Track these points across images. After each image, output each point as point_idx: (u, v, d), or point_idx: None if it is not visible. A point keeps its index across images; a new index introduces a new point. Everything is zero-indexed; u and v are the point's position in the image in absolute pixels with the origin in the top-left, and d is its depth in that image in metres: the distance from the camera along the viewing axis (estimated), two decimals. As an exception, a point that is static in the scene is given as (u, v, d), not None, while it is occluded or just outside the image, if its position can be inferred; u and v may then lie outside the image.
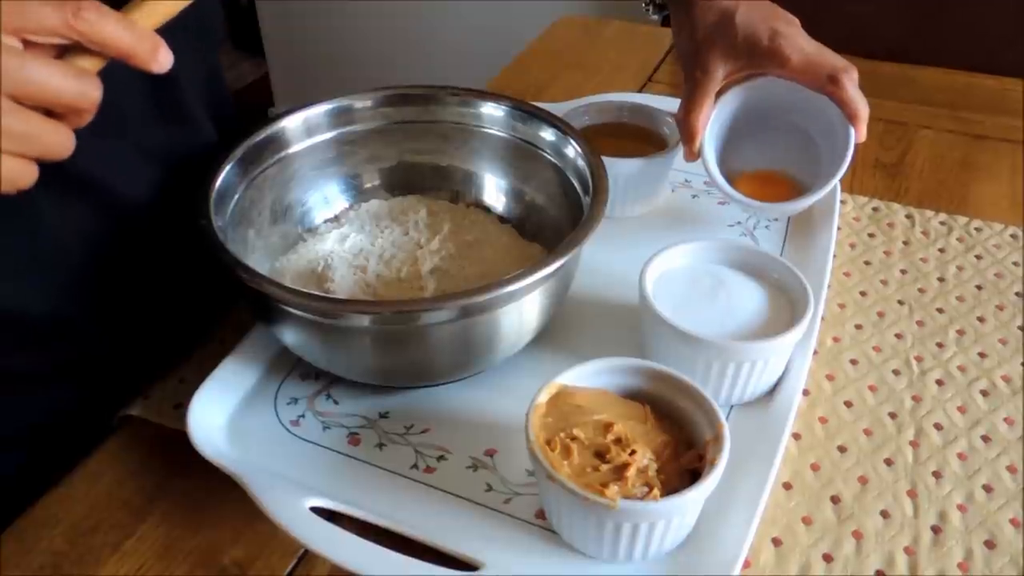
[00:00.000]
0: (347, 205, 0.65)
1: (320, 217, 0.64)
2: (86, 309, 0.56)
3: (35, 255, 0.52)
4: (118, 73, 0.51)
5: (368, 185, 0.65)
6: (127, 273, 0.57)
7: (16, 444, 0.57)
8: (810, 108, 0.63)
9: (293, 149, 0.61)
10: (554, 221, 0.61)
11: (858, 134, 0.61)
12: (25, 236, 0.51)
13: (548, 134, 0.61)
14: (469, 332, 0.50)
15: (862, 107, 0.61)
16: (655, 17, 0.70)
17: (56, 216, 0.51)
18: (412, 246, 0.61)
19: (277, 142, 0.60)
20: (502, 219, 0.64)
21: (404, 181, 0.66)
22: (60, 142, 0.38)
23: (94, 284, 0.55)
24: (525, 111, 0.62)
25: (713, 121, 0.65)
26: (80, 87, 0.37)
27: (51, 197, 0.50)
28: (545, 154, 0.61)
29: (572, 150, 0.59)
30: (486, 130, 0.63)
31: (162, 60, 0.41)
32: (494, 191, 0.65)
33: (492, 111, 0.63)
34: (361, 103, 0.62)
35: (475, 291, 0.47)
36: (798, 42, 0.61)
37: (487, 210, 0.65)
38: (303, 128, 0.61)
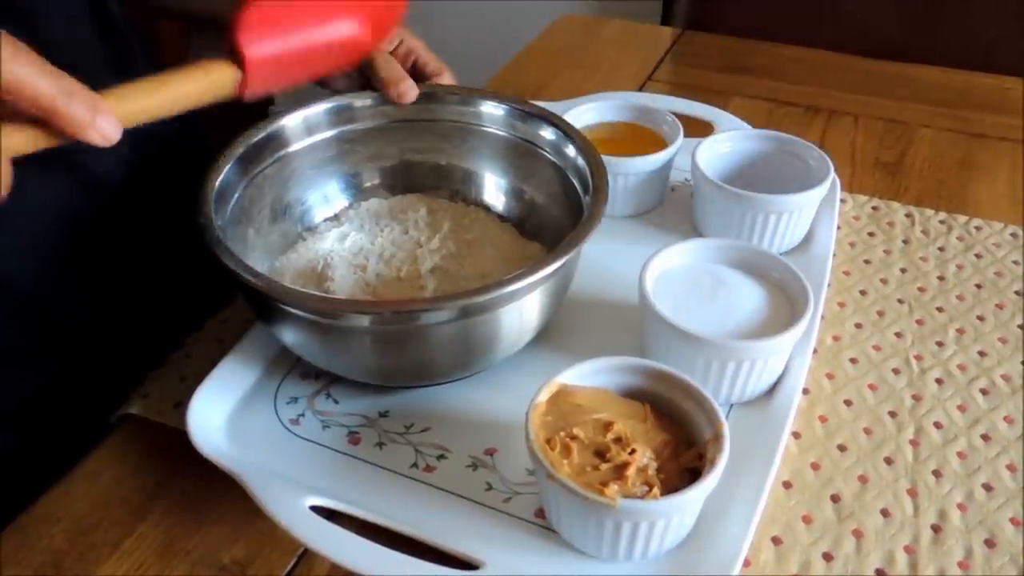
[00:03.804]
0: (347, 204, 0.65)
1: (320, 216, 0.64)
2: (67, 285, 0.55)
3: (16, 229, 0.51)
4: (96, 53, 0.50)
5: (368, 184, 0.65)
6: (108, 252, 0.57)
7: (3, 420, 0.57)
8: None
9: (293, 148, 0.61)
10: (555, 220, 0.61)
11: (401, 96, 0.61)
12: (6, 210, 0.51)
13: (548, 133, 0.61)
14: (469, 332, 0.50)
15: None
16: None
17: (37, 192, 0.51)
18: (412, 245, 0.61)
19: (277, 141, 0.59)
20: (502, 218, 0.64)
21: (404, 180, 0.66)
22: None
23: (75, 261, 0.55)
24: (525, 110, 0.62)
25: (715, 160, 0.68)
26: None
27: (34, 173, 0.50)
28: (545, 153, 0.61)
29: (572, 149, 0.59)
30: (486, 129, 0.63)
31: (104, 129, 0.34)
32: (494, 190, 0.65)
33: (492, 110, 0.63)
34: (361, 101, 0.62)
35: (475, 291, 0.47)
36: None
37: (487, 209, 0.65)
38: (303, 126, 0.61)
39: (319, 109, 0.61)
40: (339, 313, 0.48)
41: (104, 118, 0.34)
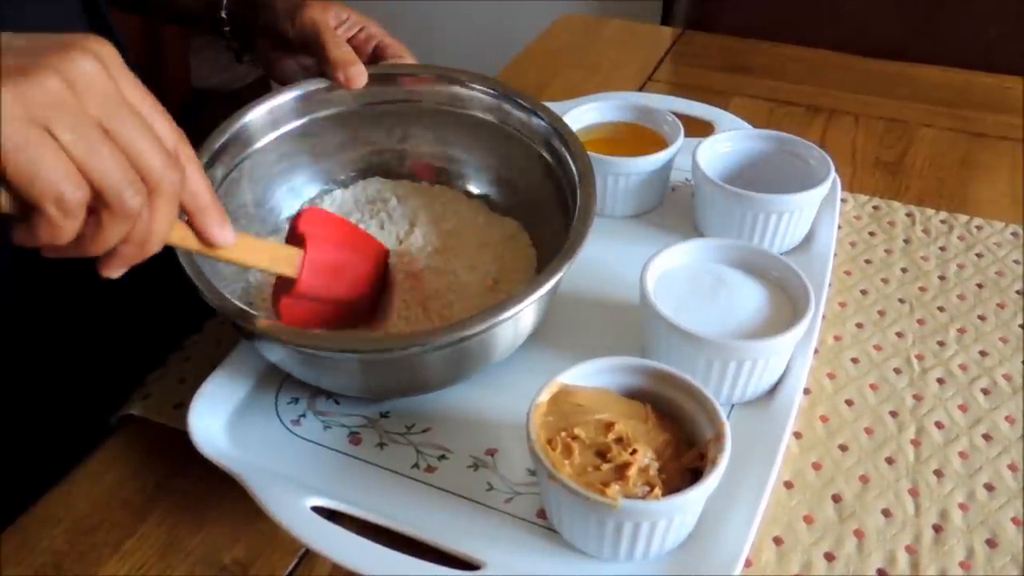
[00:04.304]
0: (313, 195, 0.63)
1: (288, 210, 0.62)
2: (67, 285, 0.55)
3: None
4: None
5: (337, 175, 0.64)
6: None
7: (3, 421, 0.57)
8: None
9: (259, 144, 0.59)
10: (526, 192, 0.61)
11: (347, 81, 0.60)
12: None
13: (516, 109, 0.60)
14: (462, 351, 0.49)
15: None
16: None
17: None
18: (393, 242, 0.60)
19: (243, 139, 0.58)
20: (468, 194, 0.64)
21: (370, 164, 0.64)
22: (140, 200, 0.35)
23: (74, 260, 0.55)
24: (495, 91, 0.61)
25: (715, 160, 0.68)
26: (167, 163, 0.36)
27: None
28: (510, 128, 0.61)
29: (542, 123, 0.59)
30: (451, 108, 0.62)
31: (227, 235, 0.41)
32: (462, 169, 0.64)
33: (459, 89, 0.62)
34: (325, 86, 0.61)
35: (471, 321, 0.45)
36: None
37: (453, 187, 0.64)
38: (268, 120, 0.59)
39: (284, 99, 0.60)
40: (326, 349, 0.47)
41: (229, 227, 0.42)
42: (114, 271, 0.38)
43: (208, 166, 0.55)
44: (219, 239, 0.42)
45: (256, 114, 0.59)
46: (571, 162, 0.56)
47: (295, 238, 0.50)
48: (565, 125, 0.58)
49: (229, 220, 0.42)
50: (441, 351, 0.48)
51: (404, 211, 0.62)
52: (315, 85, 0.61)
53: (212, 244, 0.42)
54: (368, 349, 0.48)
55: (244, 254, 0.45)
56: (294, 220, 0.50)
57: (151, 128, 0.36)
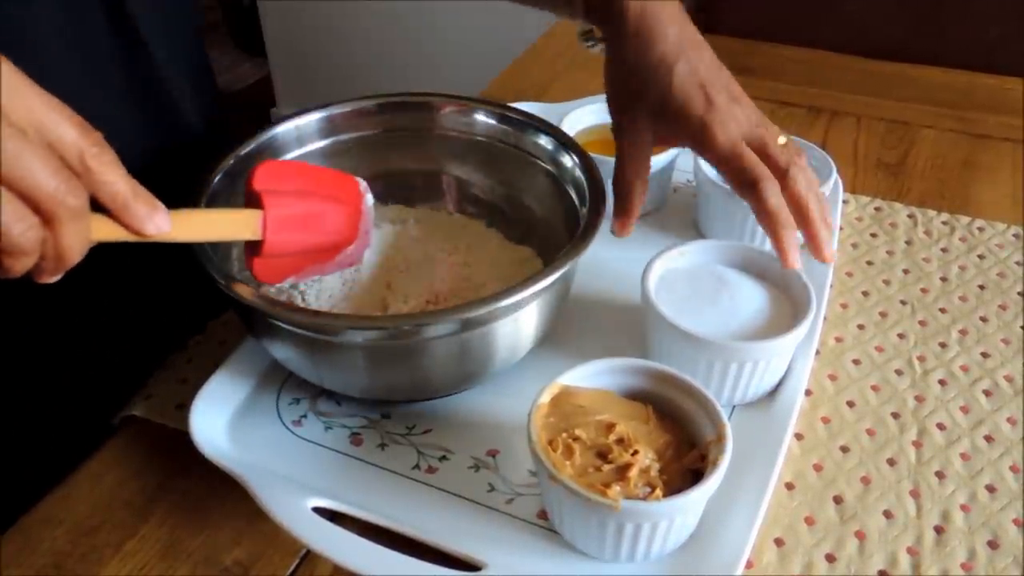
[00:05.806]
0: None
1: None
2: (69, 286, 0.56)
3: None
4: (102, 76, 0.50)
5: None
6: (111, 252, 0.57)
7: (5, 422, 0.57)
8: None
9: (284, 159, 0.60)
10: (543, 223, 0.61)
11: (782, 255, 0.52)
12: None
13: (540, 139, 0.60)
14: (465, 346, 0.49)
15: (784, 217, 0.52)
16: (594, 50, 0.62)
17: None
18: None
19: (268, 152, 0.58)
20: (488, 223, 0.64)
21: (392, 189, 0.65)
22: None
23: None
24: (515, 118, 0.61)
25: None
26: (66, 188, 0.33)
27: None
28: (536, 159, 0.61)
29: (566, 156, 0.58)
30: (475, 138, 0.63)
31: (159, 222, 0.39)
32: (480, 197, 0.65)
33: (482, 118, 0.62)
34: (350, 110, 0.61)
35: (471, 305, 0.46)
36: (729, 125, 0.54)
37: (472, 216, 0.65)
38: (294, 136, 0.60)
39: (311, 119, 0.61)
40: (330, 328, 0.47)
41: (161, 213, 0.39)
42: (44, 281, 0.37)
43: (235, 168, 0.55)
44: (150, 230, 0.39)
45: (284, 128, 0.60)
46: (585, 183, 0.55)
47: (252, 199, 0.47)
48: (577, 145, 0.58)
49: (160, 206, 0.39)
50: (443, 340, 0.47)
51: (420, 232, 0.63)
52: (340, 109, 0.61)
53: (144, 236, 0.39)
54: (372, 327, 0.48)
55: (192, 232, 0.43)
56: (247, 180, 0.47)
57: (44, 147, 0.33)
